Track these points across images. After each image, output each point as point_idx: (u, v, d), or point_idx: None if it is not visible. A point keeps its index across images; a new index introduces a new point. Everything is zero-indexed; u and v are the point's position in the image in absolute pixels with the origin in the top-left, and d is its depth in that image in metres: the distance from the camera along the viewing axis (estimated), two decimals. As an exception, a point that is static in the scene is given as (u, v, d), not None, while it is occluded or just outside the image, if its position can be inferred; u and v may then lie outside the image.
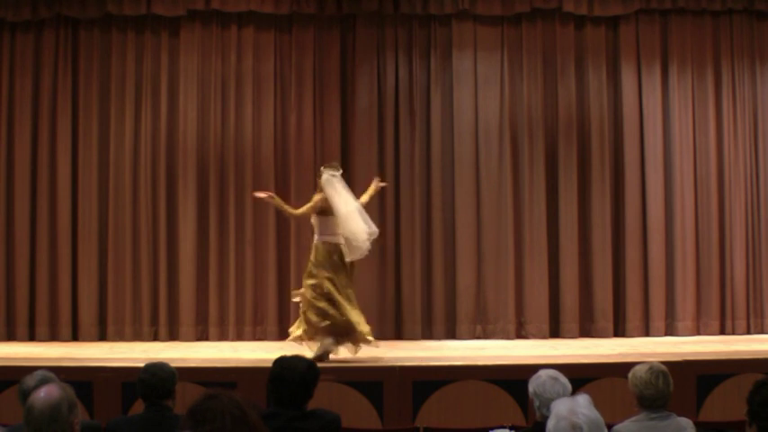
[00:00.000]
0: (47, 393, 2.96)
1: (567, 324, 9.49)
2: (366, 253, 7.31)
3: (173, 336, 9.40)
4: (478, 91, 9.72)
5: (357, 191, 9.52)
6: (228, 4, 9.54)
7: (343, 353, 7.22)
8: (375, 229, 7.30)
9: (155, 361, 4.50)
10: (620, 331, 9.52)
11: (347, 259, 7.20)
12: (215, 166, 9.56)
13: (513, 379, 6.36)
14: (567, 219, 9.61)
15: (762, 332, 9.48)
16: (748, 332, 9.50)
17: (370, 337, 7.13)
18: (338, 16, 9.70)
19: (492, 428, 3.92)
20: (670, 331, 9.52)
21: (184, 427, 2.23)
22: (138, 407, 4.59)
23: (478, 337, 9.39)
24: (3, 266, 9.48)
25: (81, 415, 3.06)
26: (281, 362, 4.04)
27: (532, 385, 3.81)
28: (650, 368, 3.95)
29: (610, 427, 3.37)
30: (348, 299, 7.16)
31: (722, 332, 9.50)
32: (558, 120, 9.74)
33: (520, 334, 9.45)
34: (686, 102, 9.77)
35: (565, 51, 9.74)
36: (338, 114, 9.69)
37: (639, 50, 9.78)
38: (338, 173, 7.32)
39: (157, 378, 4.25)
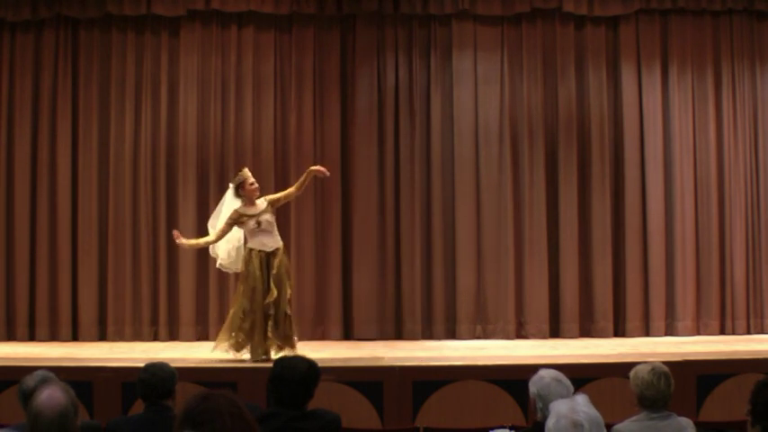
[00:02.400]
0: (52, 398, 2.92)
1: (567, 324, 9.49)
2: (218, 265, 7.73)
3: (173, 336, 9.40)
4: (478, 91, 9.71)
5: (357, 191, 9.58)
6: (228, 4, 9.54)
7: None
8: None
9: (155, 361, 4.49)
10: (620, 331, 9.52)
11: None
12: (215, 166, 9.56)
13: (513, 379, 6.35)
14: (567, 219, 9.61)
15: (762, 332, 9.48)
16: (748, 332, 9.50)
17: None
18: (338, 16, 9.70)
19: (492, 428, 3.92)
20: (670, 331, 9.52)
21: (182, 429, 2.22)
22: (138, 407, 4.59)
23: (478, 337, 9.39)
24: (3, 266, 9.48)
25: (81, 415, 3.05)
26: (282, 362, 4.04)
27: (536, 387, 3.80)
28: (653, 369, 3.94)
29: (609, 426, 3.38)
30: None
31: (722, 332, 9.50)
32: (558, 120, 9.74)
33: (520, 334, 9.45)
34: (686, 102, 9.76)
35: (565, 51, 9.74)
36: (338, 114, 9.68)
37: (639, 50, 9.78)
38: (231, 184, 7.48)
39: (157, 378, 4.24)
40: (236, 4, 9.54)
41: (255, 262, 7.22)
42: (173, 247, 9.48)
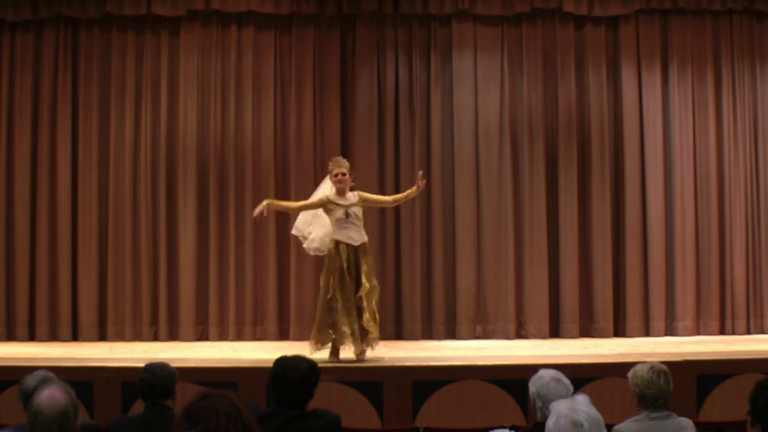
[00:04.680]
0: (53, 398, 2.92)
1: (567, 324, 9.49)
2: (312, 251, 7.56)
3: (173, 336, 9.40)
4: (478, 91, 9.72)
5: (355, 191, 9.55)
6: (228, 4, 9.54)
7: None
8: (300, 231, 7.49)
9: (155, 361, 4.50)
10: (620, 331, 9.52)
11: None
12: (215, 166, 9.57)
13: (513, 379, 6.35)
14: (567, 219, 9.61)
15: (762, 332, 9.48)
16: (748, 332, 9.50)
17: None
18: (338, 16, 9.71)
19: (492, 428, 3.92)
20: (670, 331, 9.52)
21: (180, 428, 2.23)
22: (138, 407, 4.59)
23: (478, 337, 9.39)
24: (3, 266, 9.49)
25: (81, 415, 3.05)
26: (282, 362, 4.04)
27: (535, 386, 3.81)
28: (651, 367, 3.95)
29: (609, 427, 3.38)
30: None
31: (722, 332, 9.50)
32: (558, 120, 9.74)
33: (520, 334, 9.45)
34: (686, 102, 9.76)
35: (565, 51, 9.74)
36: (338, 114, 9.69)
37: (639, 50, 9.78)
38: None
39: (158, 377, 4.25)
40: (236, 4, 9.55)
41: (343, 255, 7.06)
42: (173, 247, 9.52)
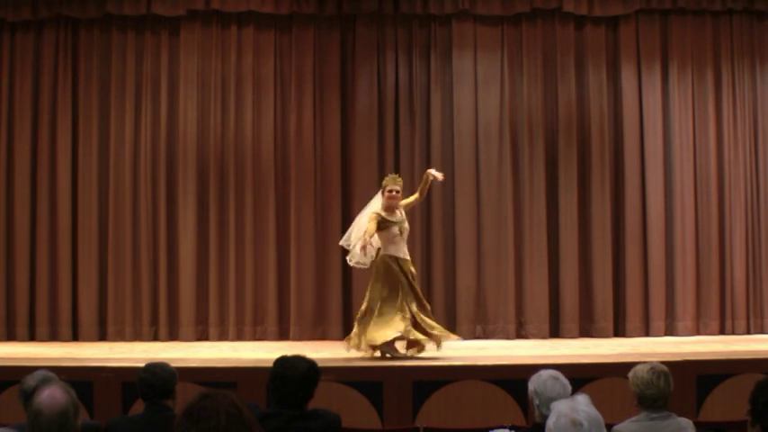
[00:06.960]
0: (53, 398, 2.92)
1: (566, 324, 9.49)
2: (353, 263, 7.40)
3: (173, 336, 9.41)
4: (478, 91, 9.72)
5: (355, 191, 9.57)
6: (228, 4, 9.55)
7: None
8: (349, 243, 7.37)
9: (155, 361, 4.50)
10: (620, 331, 9.53)
11: None
12: (215, 167, 9.57)
13: (513, 379, 6.35)
14: (567, 219, 9.61)
15: (762, 332, 9.48)
16: (748, 332, 9.51)
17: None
18: (338, 16, 9.71)
19: (492, 428, 3.92)
20: (670, 331, 9.53)
21: (180, 428, 2.24)
22: (138, 407, 4.59)
23: (478, 337, 9.39)
24: (3, 266, 9.49)
25: (81, 415, 3.05)
26: (282, 362, 4.04)
27: (533, 384, 3.81)
28: (651, 368, 3.95)
29: (609, 427, 3.38)
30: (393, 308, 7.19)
31: (722, 332, 9.51)
32: (558, 120, 9.74)
33: (520, 334, 9.46)
34: (686, 102, 9.77)
35: (565, 51, 9.74)
36: (338, 114, 9.69)
37: (639, 50, 9.79)
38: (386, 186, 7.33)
39: (158, 377, 4.25)
40: (236, 4, 9.55)
41: (395, 268, 7.17)
42: (173, 247, 9.52)
